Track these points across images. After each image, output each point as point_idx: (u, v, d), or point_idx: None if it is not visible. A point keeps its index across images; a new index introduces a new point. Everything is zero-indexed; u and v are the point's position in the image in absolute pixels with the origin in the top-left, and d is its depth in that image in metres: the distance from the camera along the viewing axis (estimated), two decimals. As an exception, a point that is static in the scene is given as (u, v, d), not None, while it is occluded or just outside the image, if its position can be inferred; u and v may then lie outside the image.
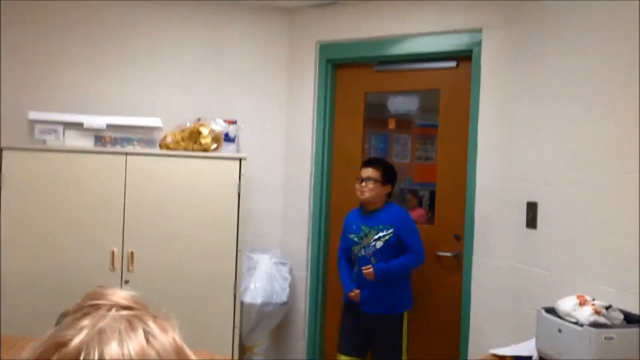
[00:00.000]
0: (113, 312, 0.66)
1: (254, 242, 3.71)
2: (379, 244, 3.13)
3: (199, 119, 3.44)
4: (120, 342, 0.61)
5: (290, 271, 3.66)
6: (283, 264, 3.64)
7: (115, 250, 3.08)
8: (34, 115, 3.16)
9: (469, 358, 3.19)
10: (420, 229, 3.64)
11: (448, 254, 3.43)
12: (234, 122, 3.55)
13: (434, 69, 3.58)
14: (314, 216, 3.77)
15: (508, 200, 3.10)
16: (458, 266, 3.39)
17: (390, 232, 3.14)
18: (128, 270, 3.10)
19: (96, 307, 0.67)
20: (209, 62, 3.78)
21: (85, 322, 0.64)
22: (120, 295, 0.70)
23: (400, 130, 3.96)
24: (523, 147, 3.02)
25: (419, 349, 3.52)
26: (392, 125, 3.93)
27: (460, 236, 3.38)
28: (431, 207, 3.68)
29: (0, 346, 2.41)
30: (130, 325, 0.64)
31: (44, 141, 3.14)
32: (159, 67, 3.70)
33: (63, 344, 0.61)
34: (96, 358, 0.59)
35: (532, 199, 2.93)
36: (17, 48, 3.50)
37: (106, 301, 0.68)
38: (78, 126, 3.19)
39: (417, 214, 3.84)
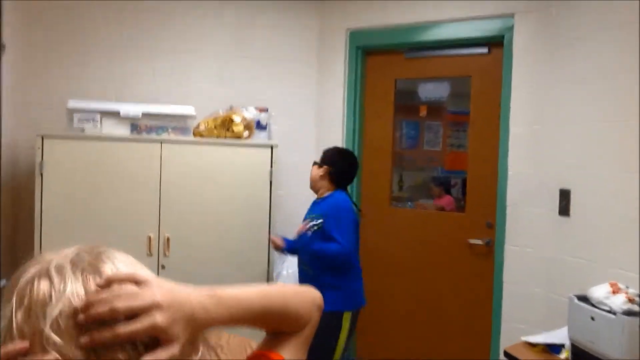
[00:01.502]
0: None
1: (285, 228, 3.76)
2: (309, 233, 2.91)
3: (231, 107, 3.50)
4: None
5: (322, 258, 3.70)
6: (315, 249, 3.66)
7: (152, 236, 3.17)
8: (73, 104, 3.25)
9: (500, 346, 3.19)
10: (450, 217, 3.65)
11: (479, 242, 3.42)
12: (266, 110, 3.59)
13: (465, 55, 3.55)
14: (345, 203, 3.79)
15: (540, 187, 3.07)
16: (489, 253, 3.38)
17: (320, 223, 2.89)
18: (165, 255, 3.18)
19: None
20: (240, 51, 3.83)
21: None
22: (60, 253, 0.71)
23: (432, 117, 3.95)
24: (555, 133, 2.99)
25: (450, 336, 3.54)
26: (423, 112, 3.92)
27: (492, 223, 3.37)
28: (463, 194, 3.67)
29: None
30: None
31: (83, 129, 3.22)
32: (192, 56, 3.77)
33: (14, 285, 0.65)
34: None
35: (565, 187, 2.90)
36: (56, 41, 3.61)
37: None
38: (115, 114, 3.27)
39: (446, 201, 3.84)
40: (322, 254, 2.86)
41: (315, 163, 3.06)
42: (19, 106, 3.51)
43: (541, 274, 3.06)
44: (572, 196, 2.86)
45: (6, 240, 3.28)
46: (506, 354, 2.47)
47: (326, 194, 3.00)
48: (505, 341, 3.07)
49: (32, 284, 0.65)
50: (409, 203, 3.90)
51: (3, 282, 3.13)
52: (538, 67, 3.11)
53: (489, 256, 3.39)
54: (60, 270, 0.66)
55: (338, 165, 3.01)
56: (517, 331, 3.02)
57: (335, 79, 3.82)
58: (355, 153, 3.79)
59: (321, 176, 3.00)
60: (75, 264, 0.67)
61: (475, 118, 3.52)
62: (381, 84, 3.80)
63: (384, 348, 3.78)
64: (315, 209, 3.00)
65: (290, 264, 3.45)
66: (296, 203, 3.86)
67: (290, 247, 3.07)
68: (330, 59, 3.85)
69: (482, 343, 3.41)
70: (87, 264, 0.67)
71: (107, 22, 3.65)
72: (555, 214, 2.96)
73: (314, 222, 2.91)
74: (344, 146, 3.77)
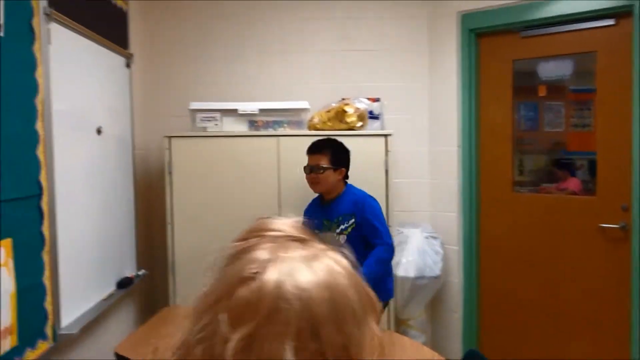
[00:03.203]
0: (288, 241, 0.66)
1: (403, 217, 3.74)
2: (343, 238, 2.80)
3: (343, 99, 3.53)
4: (310, 268, 0.62)
5: (442, 245, 3.63)
6: (435, 237, 3.61)
7: (272, 227, 3.26)
8: (195, 105, 3.44)
9: (641, 336, 2.95)
10: (579, 200, 3.44)
11: (614, 226, 3.19)
12: (378, 100, 3.59)
13: (588, 29, 3.32)
14: (464, 190, 3.69)
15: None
16: (625, 238, 3.14)
17: (352, 223, 2.81)
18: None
19: (264, 237, 0.68)
20: (350, 44, 3.86)
21: (261, 254, 0.64)
22: (287, 223, 0.70)
23: (552, 97, 3.73)
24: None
25: (581, 333, 3.33)
26: (542, 92, 3.72)
27: (627, 206, 3.12)
28: (591, 176, 3.44)
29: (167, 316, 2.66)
30: (310, 253, 0.64)
31: (205, 128, 3.40)
32: (304, 54, 3.87)
33: (248, 279, 0.61)
34: (292, 288, 0.59)
35: None
36: (178, 48, 3.86)
37: (274, 232, 0.68)
38: (233, 112, 3.42)
39: (573, 184, 3.62)
40: (382, 269, 2.77)
41: (323, 168, 2.86)
42: (148, 111, 3.78)
43: (688, 258, 2.79)
44: None
45: (142, 234, 3.54)
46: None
47: (341, 192, 2.93)
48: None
49: None
50: (531, 188, 3.71)
51: (142, 271, 3.38)
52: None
53: (625, 241, 3.14)
54: None
55: (348, 162, 2.96)
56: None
57: (447, 64, 3.73)
58: (473, 139, 3.69)
59: (339, 179, 2.92)
60: None
61: (603, 95, 3.28)
62: (497, 67, 3.66)
63: (508, 345, 3.62)
64: (337, 211, 2.89)
65: (410, 252, 3.43)
66: (412, 190, 3.84)
67: None
68: (442, 45, 3.77)
69: (619, 339, 3.16)
70: None
71: (223, 28, 3.87)
72: (703, 192, 2.68)
73: (346, 224, 2.83)
74: (460, 132, 3.68)
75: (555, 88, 3.72)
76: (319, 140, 2.97)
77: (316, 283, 0.60)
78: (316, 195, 3.03)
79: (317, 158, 2.88)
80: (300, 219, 0.72)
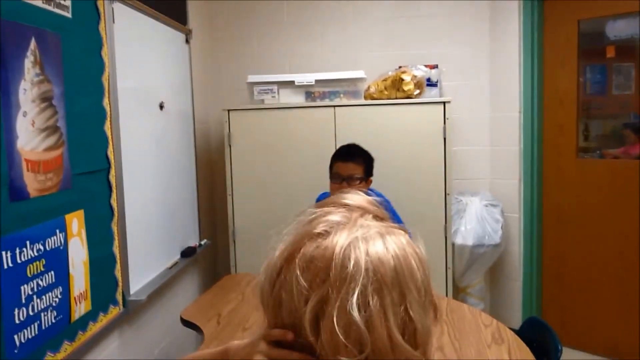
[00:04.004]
0: (365, 213, 0.68)
1: (462, 185, 3.70)
2: None
3: (400, 67, 3.48)
4: (384, 241, 0.63)
5: (502, 213, 3.57)
6: (494, 205, 3.55)
7: (330, 197, 3.29)
8: (252, 78, 3.48)
9: None
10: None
11: (686, 192, 3.04)
12: (435, 67, 3.52)
13: (661, -17, 3.13)
14: (525, 157, 3.60)
15: None
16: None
17: None
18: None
19: (341, 206, 0.69)
20: (406, 10, 3.79)
21: (336, 217, 0.66)
22: (365, 199, 0.71)
23: (621, 58, 3.54)
24: None
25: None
26: (610, 53, 3.54)
27: (701, 171, 2.97)
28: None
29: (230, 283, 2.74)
30: (386, 228, 0.66)
31: (262, 100, 3.45)
32: (359, 22, 3.83)
33: (318, 235, 0.64)
34: (362, 253, 0.61)
35: None
36: (235, 23, 3.91)
37: (351, 203, 0.70)
38: (290, 84, 3.44)
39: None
40: None
41: (358, 179, 2.60)
42: (207, 85, 3.86)
43: None
44: None
45: (204, 206, 3.65)
46: None
47: None
48: None
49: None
50: (598, 152, 3.57)
51: (205, 241, 3.50)
52: None
53: (699, 208, 3.00)
54: None
55: (373, 170, 2.72)
56: None
57: (509, 27, 3.61)
58: (535, 104, 3.58)
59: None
60: None
61: (677, 53, 3.10)
62: (562, 28, 3.51)
63: (570, 315, 3.55)
64: None
65: (469, 220, 3.39)
66: (471, 158, 3.78)
67: None
68: (503, 7, 3.63)
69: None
70: None
71: (281, 1, 3.87)
72: None
73: None
74: (522, 98, 3.57)
75: (625, 48, 3.53)
76: (350, 147, 2.74)
77: (385, 252, 0.62)
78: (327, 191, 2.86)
79: (351, 167, 2.60)
80: (377, 197, 0.73)
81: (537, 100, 3.57)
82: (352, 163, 2.61)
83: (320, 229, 0.64)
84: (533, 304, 3.67)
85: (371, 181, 2.73)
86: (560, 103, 3.53)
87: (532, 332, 2.21)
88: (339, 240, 0.62)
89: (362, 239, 0.62)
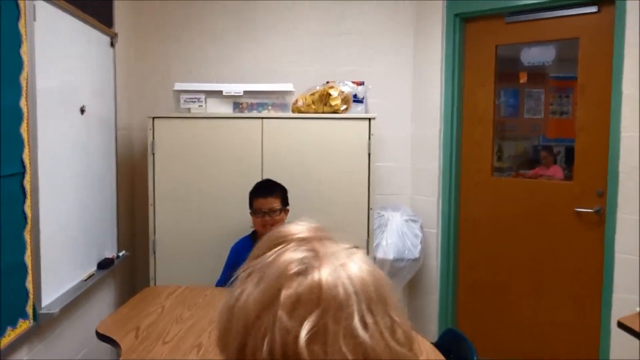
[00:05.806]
0: (315, 241, 0.68)
1: (384, 200, 3.79)
2: None
3: (327, 82, 3.54)
4: (354, 262, 0.66)
5: (421, 228, 3.69)
6: (414, 221, 3.67)
7: (255, 209, 3.28)
8: (179, 86, 3.42)
9: (612, 318, 3.04)
10: (556, 185, 3.52)
11: (589, 210, 3.27)
12: (362, 83, 3.60)
13: (571, 15, 3.37)
14: (444, 173, 3.75)
15: (658, 151, 2.88)
16: (600, 222, 3.22)
17: None
18: (268, 226, 3.28)
19: (289, 242, 0.68)
20: (335, 27, 3.86)
21: (299, 254, 0.65)
22: (306, 228, 0.71)
23: (533, 84, 3.79)
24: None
25: (557, 309, 3.42)
26: (523, 79, 3.77)
27: (603, 192, 3.20)
28: (567, 163, 3.51)
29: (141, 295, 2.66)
30: (347, 250, 0.68)
31: (189, 109, 3.39)
32: (289, 35, 3.87)
33: (296, 274, 0.63)
34: (345, 279, 0.62)
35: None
36: (162, 28, 3.83)
37: (297, 235, 0.70)
38: (218, 94, 3.41)
39: (554, 171, 3.69)
40: None
41: (278, 210, 2.86)
42: (132, 91, 3.76)
43: (659, 243, 2.88)
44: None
45: (124, 215, 3.53)
46: (620, 324, 2.35)
47: None
48: (618, 311, 2.93)
49: None
50: (510, 173, 3.79)
51: (123, 252, 3.38)
52: (653, 22, 2.90)
53: (599, 225, 3.23)
54: None
55: (288, 200, 2.96)
56: (629, 302, 2.89)
57: (432, 48, 3.76)
58: (455, 123, 3.74)
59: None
60: None
61: (584, 82, 3.34)
62: (481, 52, 3.70)
63: (484, 327, 3.71)
64: None
65: (390, 235, 3.48)
66: (392, 174, 3.89)
67: None
68: (427, 28, 3.79)
69: (591, 315, 3.26)
70: None
71: (210, 9, 3.85)
72: (676, 179, 2.76)
73: None
74: (442, 116, 3.72)
75: (537, 75, 3.78)
76: (266, 183, 2.99)
77: (360, 272, 0.65)
78: (248, 233, 3.02)
79: (270, 201, 2.86)
80: (314, 222, 0.73)
81: (456, 118, 3.74)
82: (271, 197, 2.87)
83: (294, 268, 0.64)
84: (449, 316, 3.80)
85: (288, 210, 2.92)
86: (478, 122, 3.71)
87: (449, 343, 2.29)
88: (322, 274, 0.63)
89: (340, 267, 0.65)
